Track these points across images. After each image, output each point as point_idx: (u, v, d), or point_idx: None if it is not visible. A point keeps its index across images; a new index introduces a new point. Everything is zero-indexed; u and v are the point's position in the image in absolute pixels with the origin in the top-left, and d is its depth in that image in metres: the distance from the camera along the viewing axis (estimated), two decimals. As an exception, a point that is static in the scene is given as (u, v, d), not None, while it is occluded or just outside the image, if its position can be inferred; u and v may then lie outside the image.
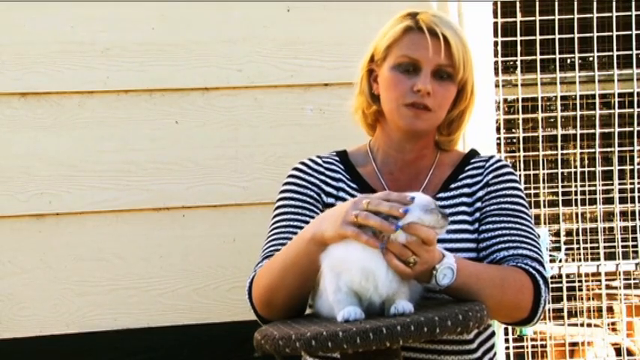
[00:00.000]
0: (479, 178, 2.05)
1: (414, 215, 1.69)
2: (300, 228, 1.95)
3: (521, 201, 2.03)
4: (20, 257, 2.48)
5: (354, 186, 2.06)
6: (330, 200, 2.05)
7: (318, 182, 2.08)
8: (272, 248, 1.99)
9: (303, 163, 2.12)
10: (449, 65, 1.97)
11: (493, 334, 2.08)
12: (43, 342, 2.48)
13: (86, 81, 2.51)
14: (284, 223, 2.03)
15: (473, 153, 2.14)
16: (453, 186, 2.05)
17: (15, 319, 2.48)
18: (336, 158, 2.13)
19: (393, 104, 2.00)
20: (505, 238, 1.96)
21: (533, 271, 1.89)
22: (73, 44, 2.50)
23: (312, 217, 1.97)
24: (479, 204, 2.03)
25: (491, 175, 2.05)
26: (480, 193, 2.04)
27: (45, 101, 2.50)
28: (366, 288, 1.72)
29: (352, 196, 2.01)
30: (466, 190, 2.05)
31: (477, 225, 2.01)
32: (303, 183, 2.07)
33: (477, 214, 2.02)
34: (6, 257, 2.48)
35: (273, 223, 2.05)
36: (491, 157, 2.10)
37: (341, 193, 2.06)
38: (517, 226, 1.98)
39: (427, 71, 1.96)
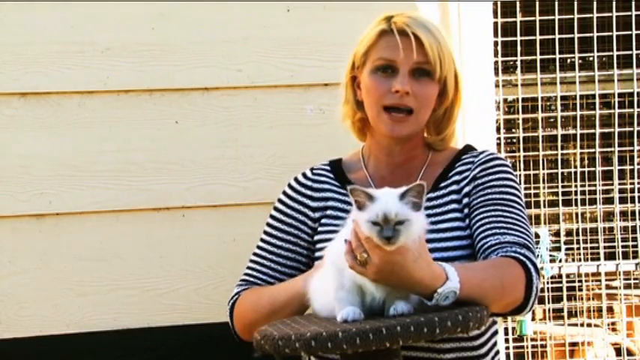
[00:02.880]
0: (466, 174, 2.03)
1: (359, 216, 1.68)
2: (281, 256, 2.10)
3: (511, 190, 1.99)
4: (20, 257, 2.48)
5: (343, 192, 2.08)
6: (318, 214, 2.10)
7: (304, 201, 2.12)
8: (252, 272, 2.13)
9: (289, 186, 2.17)
10: (424, 62, 1.99)
11: (496, 332, 2.08)
12: (43, 342, 2.47)
13: (86, 81, 2.51)
14: (264, 253, 2.13)
15: (467, 149, 2.12)
16: (442, 185, 2.04)
17: (15, 319, 2.48)
18: (327, 168, 2.16)
19: (374, 109, 2.02)
20: (492, 225, 1.93)
21: (523, 259, 1.86)
22: (72, 44, 2.50)
23: (294, 243, 2.10)
24: (466, 200, 2.01)
25: (478, 169, 2.02)
26: (467, 189, 2.01)
27: (45, 101, 2.50)
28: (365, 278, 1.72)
29: (341, 202, 2.07)
30: (454, 187, 2.03)
31: (467, 221, 1.99)
32: (288, 211, 2.14)
33: (466, 210, 2.00)
34: (6, 257, 2.48)
35: (259, 247, 2.15)
36: (482, 152, 2.08)
37: (330, 202, 2.10)
38: (504, 213, 1.95)
39: (404, 71, 1.99)
